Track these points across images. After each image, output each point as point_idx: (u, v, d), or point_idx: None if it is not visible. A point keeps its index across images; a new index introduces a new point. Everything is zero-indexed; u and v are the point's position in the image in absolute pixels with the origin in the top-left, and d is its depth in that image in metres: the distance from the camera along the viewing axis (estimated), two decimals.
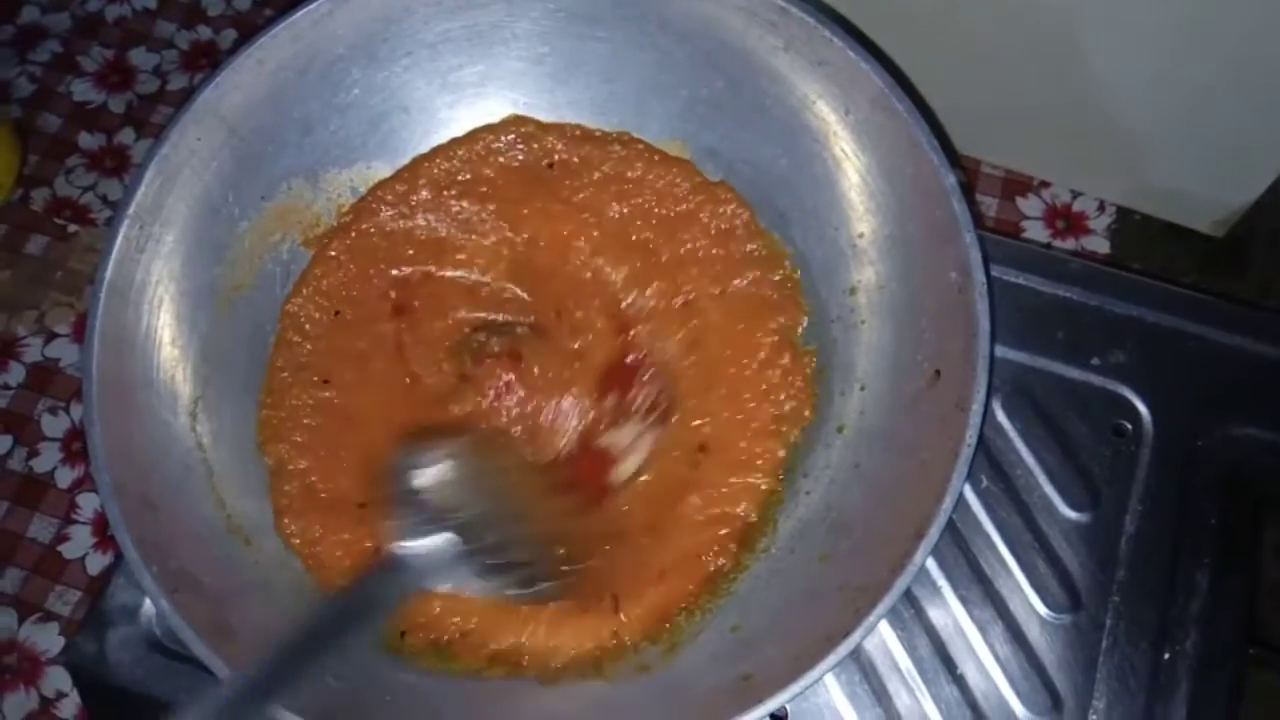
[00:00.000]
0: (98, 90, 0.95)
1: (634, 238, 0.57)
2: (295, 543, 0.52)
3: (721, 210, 0.57)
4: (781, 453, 0.53)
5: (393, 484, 0.47)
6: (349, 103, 0.56)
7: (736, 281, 0.56)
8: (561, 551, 0.50)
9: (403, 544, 0.44)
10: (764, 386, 0.54)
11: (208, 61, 0.96)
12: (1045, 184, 0.82)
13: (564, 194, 0.58)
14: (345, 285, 0.57)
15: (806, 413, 0.54)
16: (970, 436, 0.45)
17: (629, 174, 0.58)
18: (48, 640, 0.77)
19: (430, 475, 0.47)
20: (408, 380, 0.56)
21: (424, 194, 0.58)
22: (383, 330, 0.56)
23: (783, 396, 0.54)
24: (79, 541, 0.80)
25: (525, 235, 0.58)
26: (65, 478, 0.82)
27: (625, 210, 0.58)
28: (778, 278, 0.56)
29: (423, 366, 0.56)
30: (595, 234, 0.57)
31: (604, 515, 0.53)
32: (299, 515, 0.52)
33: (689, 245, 0.57)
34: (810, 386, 0.54)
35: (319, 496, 0.53)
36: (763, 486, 0.53)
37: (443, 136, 0.59)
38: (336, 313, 0.56)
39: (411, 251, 0.58)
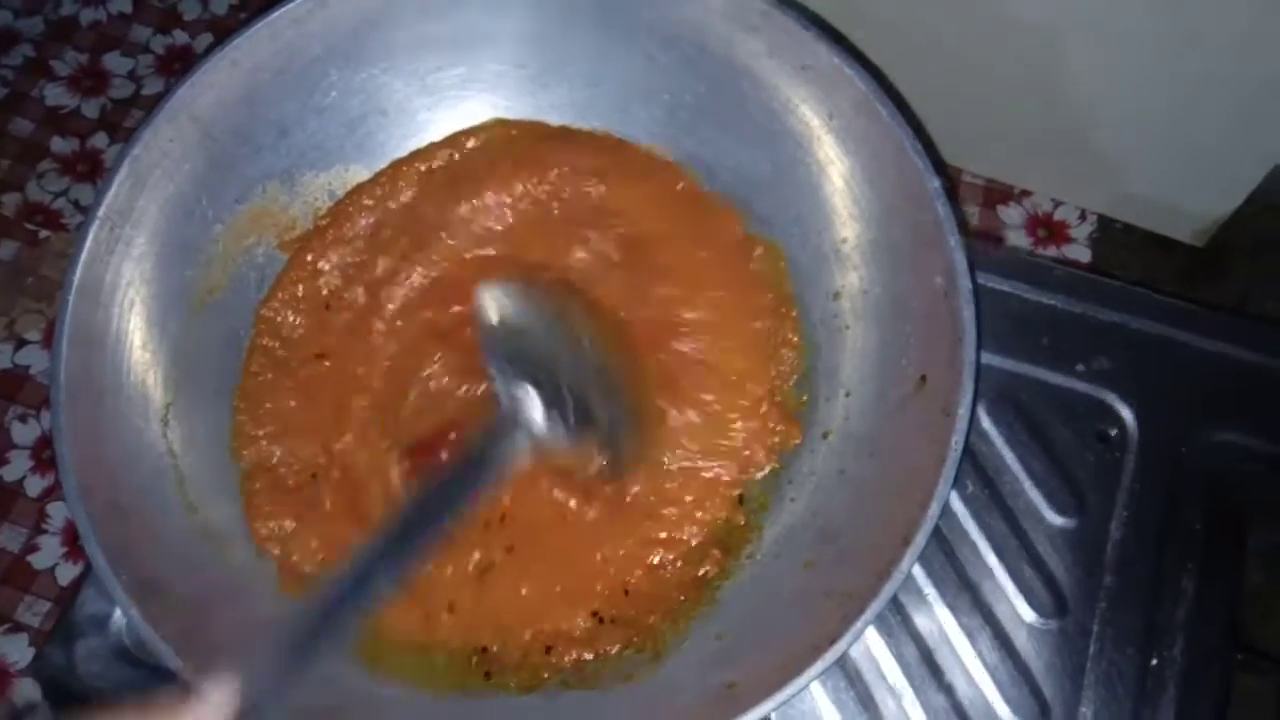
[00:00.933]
0: (71, 95, 0.94)
1: (618, 240, 0.57)
2: (269, 546, 0.51)
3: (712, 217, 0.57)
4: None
5: (479, 332, 0.48)
6: (326, 105, 0.56)
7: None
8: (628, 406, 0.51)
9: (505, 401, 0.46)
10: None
11: (183, 66, 0.95)
12: (1027, 193, 0.82)
13: (546, 196, 0.57)
14: (320, 288, 0.56)
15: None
16: (957, 442, 0.44)
17: (613, 173, 0.57)
18: (18, 651, 0.76)
19: (509, 315, 0.48)
20: (382, 375, 0.55)
21: (402, 197, 0.58)
22: (357, 332, 0.55)
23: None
24: (49, 551, 0.78)
25: (507, 238, 0.57)
26: (35, 487, 0.80)
27: (608, 212, 0.57)
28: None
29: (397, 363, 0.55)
30: (579, 237, 0.57)
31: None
32: (270, 514, 0.51)
33: (676, 250, 0.56)
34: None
35: (287, 486, 0.52)
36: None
37: (422, 140, 0.58)
38: (327, 306, 0.56)
39: (388, 254, 0.57)
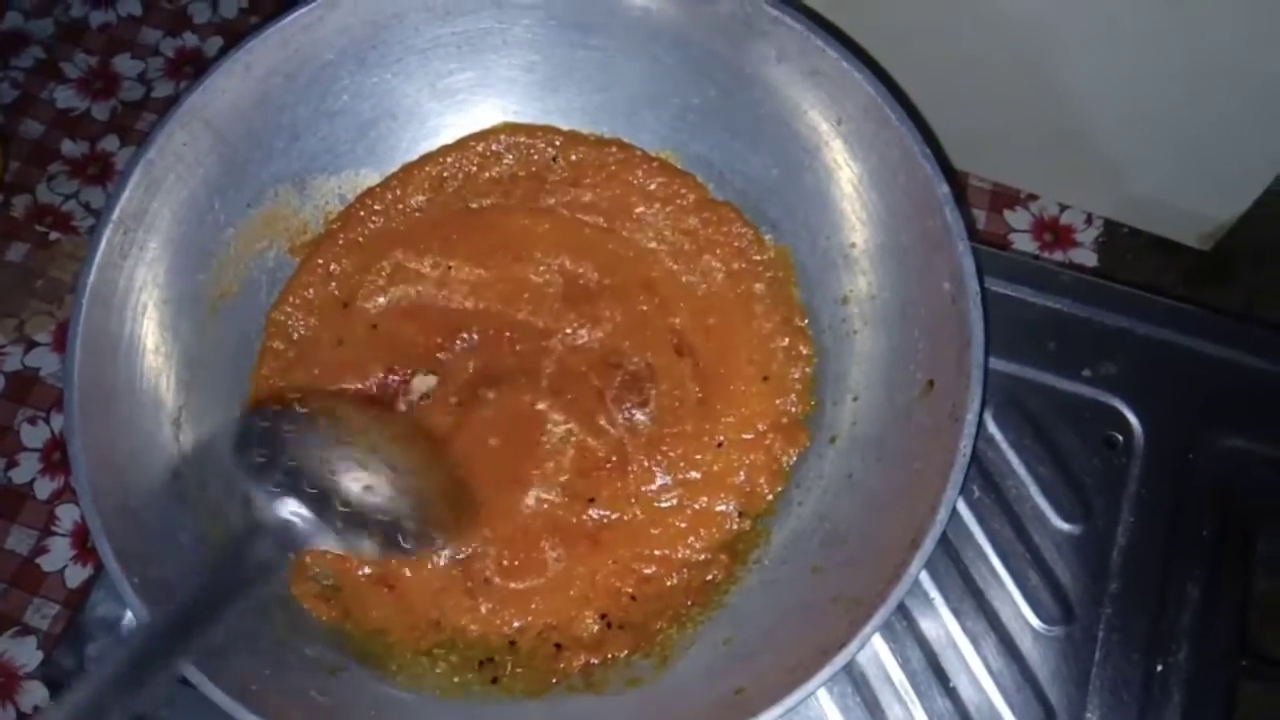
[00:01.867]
0: (81, 97, 0.94)
1: (627, 248, 0.57)
2: None
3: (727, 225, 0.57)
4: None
5: (247, 450, 0.47)
6: (338, 109, 0.56)
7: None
8: (416, 502, 0.50)
9: (260, 510, 0.45)
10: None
11: (193, 69, 0.95)
12: (1033, 197, 0.82)
13: (556, 201, 0.58)
14: (331, 292, 0.56)
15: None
16: (965, 446, 0.45)
17: (624, 181, 0.57)
18: (26, 655, 0.76)
19: (281, 435, 0.48)
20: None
21: (413, 201, 0.58)
22: (367, 335, 0.56)
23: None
24: (58, 554, 0.79)
25: (515, 243, 0.57)
26: (45, 489, 0.81)
27: (619, 218, 0.57)
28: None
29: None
30: (586, 241, 0.57)
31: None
32: None
33: (686, 256, 0.57)
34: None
35: None
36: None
37: (432, 144, 0.58)
38: (345, 304, 0.56)
39: (399, 259, 0.57)
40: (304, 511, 0.45)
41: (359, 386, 0.55)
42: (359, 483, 0.47)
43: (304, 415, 0.50)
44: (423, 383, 0.55)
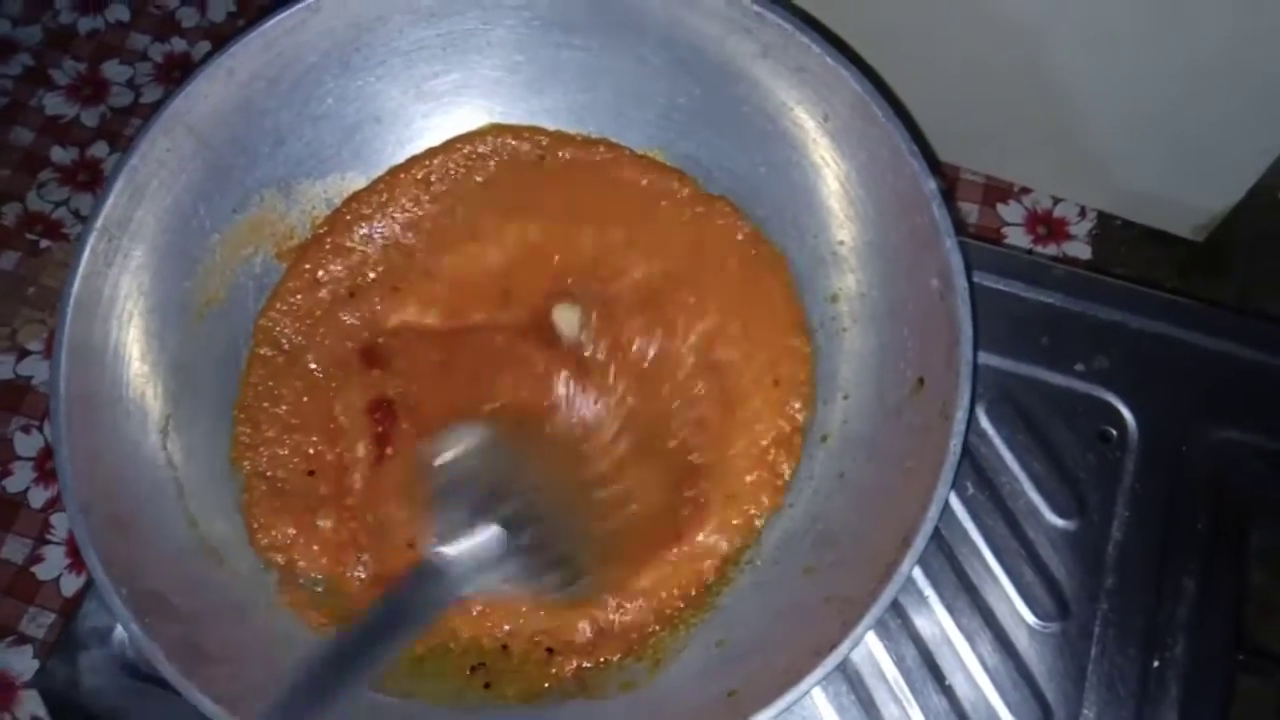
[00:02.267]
0: (70, 104, 0.94)
1: (618, 244, 0.57)
2: (271, 555, 0.51)
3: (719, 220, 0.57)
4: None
5: (425, 479, 0.46)
6: (322, 112, 0.55)
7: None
8: (596, 546, 0.48)
9: (442, 548, 0.43)
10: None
11: (181, 74, 0.95)
12: (1026, 190, 0.82)
13: (544, 200, 0.57)
14: (318, 297, 0.56)
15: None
16: (955, 444, 0.44)
17: (611, 179, 0.57)
18: (22, 663, 0.76)
19: (462, 462, 0.46)
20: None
21: (400, 204, 0.58)
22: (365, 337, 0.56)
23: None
24: (53, 562, 0.79)
25: (505, 244, 0.57)
26: (39, 498, 0.81)
27: (607, 215, 0.57)
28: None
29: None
30: (577, 240, 0.57)
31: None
32: (270, 524, 0.51)
33: (676, 251, 0.56)
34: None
35: (286, 495, 0.52)
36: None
37: (418, 146, 0.58)
38: (324, 315, 0.56)
39: (387, 263, 0.57)
40: (498, 546, 0.43)
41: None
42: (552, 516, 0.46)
43: (499, 437, 0.48)
44: None
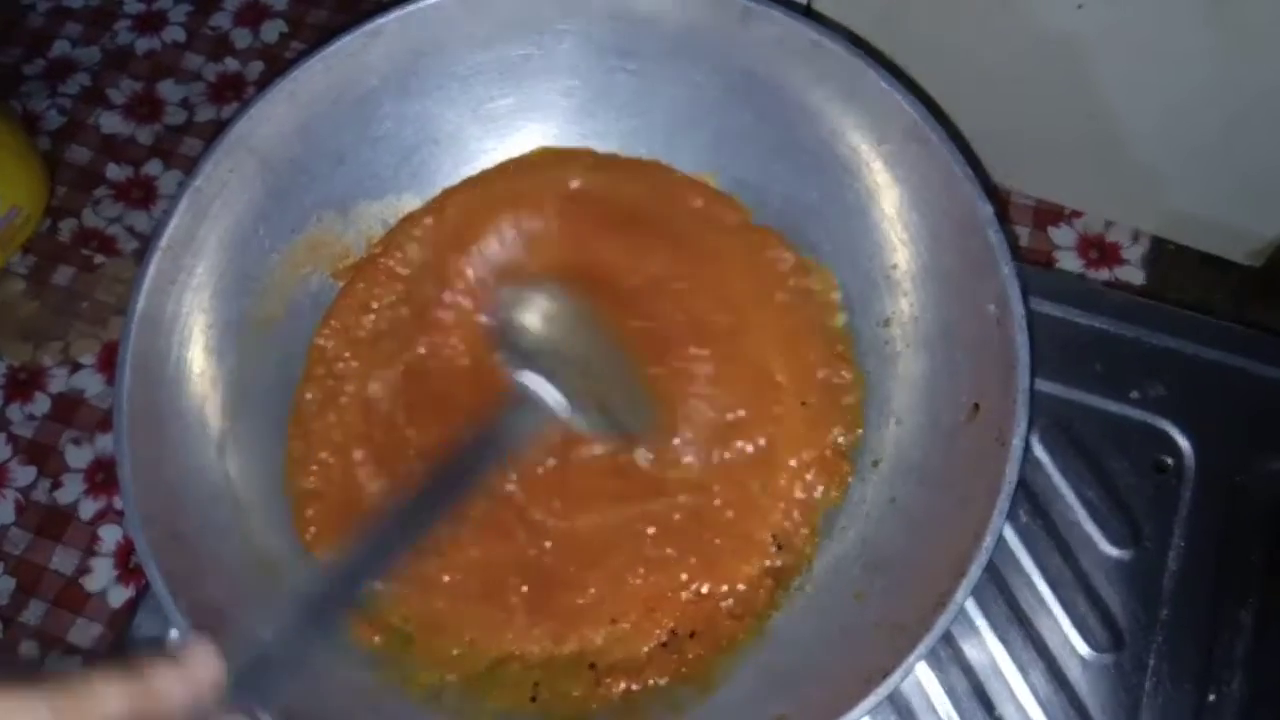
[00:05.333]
0: (126, 122, 0.96)
1: (670, 272, 0.57)
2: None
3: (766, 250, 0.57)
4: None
5: (500, 327, 0.50)
6: (380, 135, 0.56)
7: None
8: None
9: (525, 379, 0.47)
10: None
11: (234, 94, 0.97)
12: (1077, 214, 0.81)
13: (596, 225, 0.58)
14: (373, 316, 0.57)
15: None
16: (1011, 472, 0.44)
17: (665, 203, 0.58)
18: None
19: (532, 313, 0.50)
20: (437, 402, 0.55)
21: (453, 226, 0.58)
22: (413, 357, 0.56)
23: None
24: (101, 574, 0.80)
25: (557, 268, 0.57)
26: (88, 509, 0.82)
27: (660, 242, 0.57)
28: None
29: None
30: (632, 265, 0.57)
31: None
32: (326, 538, 0.52)
33: (734, 278, 0.57)
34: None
35: (342, 510, 0.53)
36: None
37: (473, 168, 0.59)
38: (380, 333, 0.57)
39: (439, 283, 0.57)
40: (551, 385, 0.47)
41: None
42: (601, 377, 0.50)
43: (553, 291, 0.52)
44: None
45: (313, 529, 0.52)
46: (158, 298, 0.50)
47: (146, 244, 0.50)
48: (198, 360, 0.51)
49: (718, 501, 0.53)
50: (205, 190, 0.51)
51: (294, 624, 0.38)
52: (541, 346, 0.50)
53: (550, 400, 0.47)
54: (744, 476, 0.53)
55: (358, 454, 0.54)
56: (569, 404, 0.47)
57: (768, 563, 0.52)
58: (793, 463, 0.53)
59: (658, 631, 0.51)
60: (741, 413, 0.54)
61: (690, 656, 0.50)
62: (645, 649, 0.50)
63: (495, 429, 0.47)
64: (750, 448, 0.53)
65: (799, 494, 0.53)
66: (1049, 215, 0.82)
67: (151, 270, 0.49)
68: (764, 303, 0.56)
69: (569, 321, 0.51)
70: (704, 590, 0.51)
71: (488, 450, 0.46)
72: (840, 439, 0.53)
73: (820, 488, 0.53)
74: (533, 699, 0.50)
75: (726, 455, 0.54)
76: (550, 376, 0.47)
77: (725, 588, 0.51)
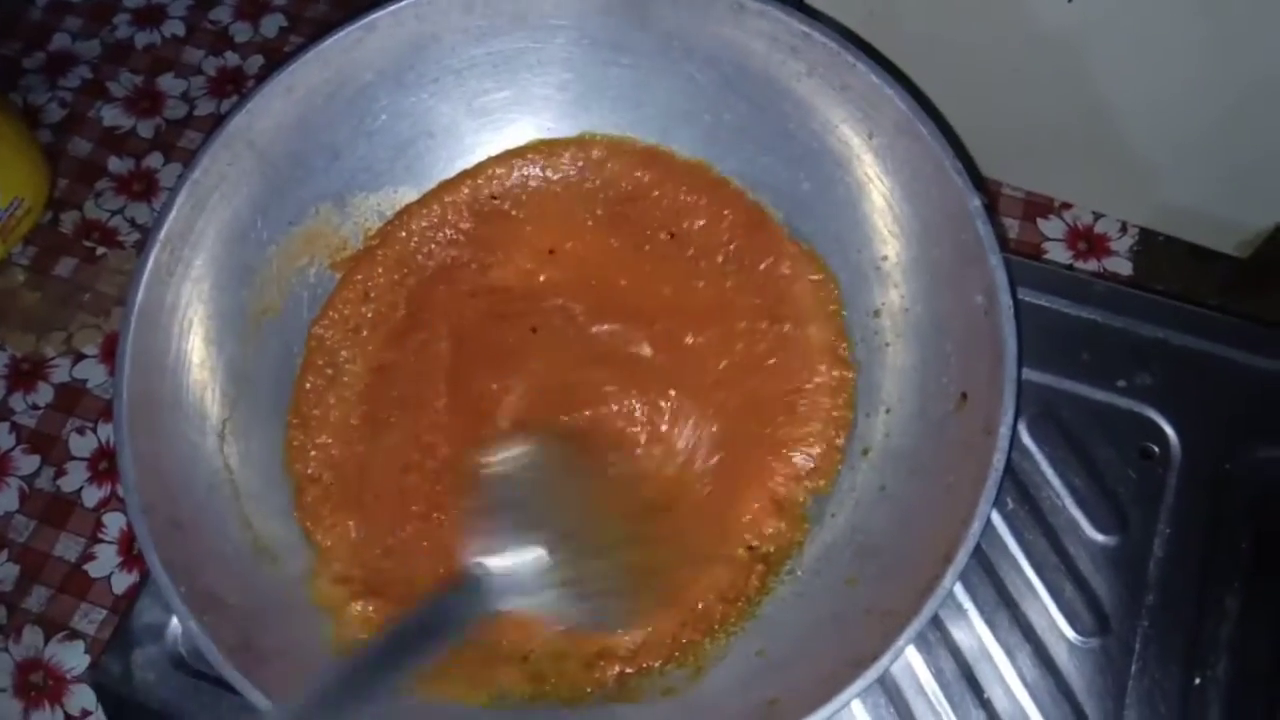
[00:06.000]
0: (127, 115, 0.96)
1: (670, 259, 0.57)
2: (331, 555, 0.52)
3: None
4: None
5: (475, 492, 0.46)
6: (376, 128, 0.57)
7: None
8: (638, 577, 0.49)
9: (482, 559, 0.43)
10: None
11: (234, 87, 0.97)
12: (1067, 205, 0.81)
13: (592, 213, 0.58)
14: (370, 306, 0.57)
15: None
16: (998, 460, 0.45)
17: (657, 190, 0.58)
18: (74, 659, 0.77)
19: (514, 477, 0.46)
20: (440, 395, 0.56)
21: (449, 217, 0.59)
22: (411, 345, 0.57)
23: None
24: (105, 560, 0.80)
25: (551, 257, 0.58)
26: (92, 497, 0.82)
27: (658, 229, 0.58)
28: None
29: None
30: (625, 254, 0.58)
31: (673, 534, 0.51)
32: (329, 524, 0.53)
33: (731, 270, 0.57)
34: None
35: (340, 498, 0.54)
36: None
37: (468, 161, 0.59)
38: (376, 323, 0.57)
39: (437, 274, 0.58)
40: (539, 565, 0.43)
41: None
42: (597, 543, 0.46)
43: (546, 445, 0.47)
44: None
45: (312, 515, 0.53)
46: (157, 289, 0.50)
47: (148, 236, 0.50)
48: (197, 351, 0.52)
49: (708, 489, 0.53)
50: (203, 183, 0.52)
51: None
52: (519, 501, 0.46)
53: (504, 587, 0.43)
54: (732, 467, 0.54)
55: (357, 441, 0.55)
56: (532, 586, 0.43)
57: (757, 549, 0.52)
58: (782, 452, 0.54)
59: None
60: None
61: (683, 641, 0.51)
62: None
63: (437, 611, 0.42)
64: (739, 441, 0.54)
65: (788, 483, 0.54)
66: (1038, 207, 0.82)
67: (150, 262, 0.50)
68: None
69: (553, 477, 0.47)
70: (693, 577, 0.52)
71: (430, 635, 0.42)
72: (830, 429, 0.54)
73: (809, 477, 0.53)
74: (528, 682, 0.50)
75: (715, 460, 0.54)
76: (517, 546, 0.43)
77: (715, 574, 0.52)
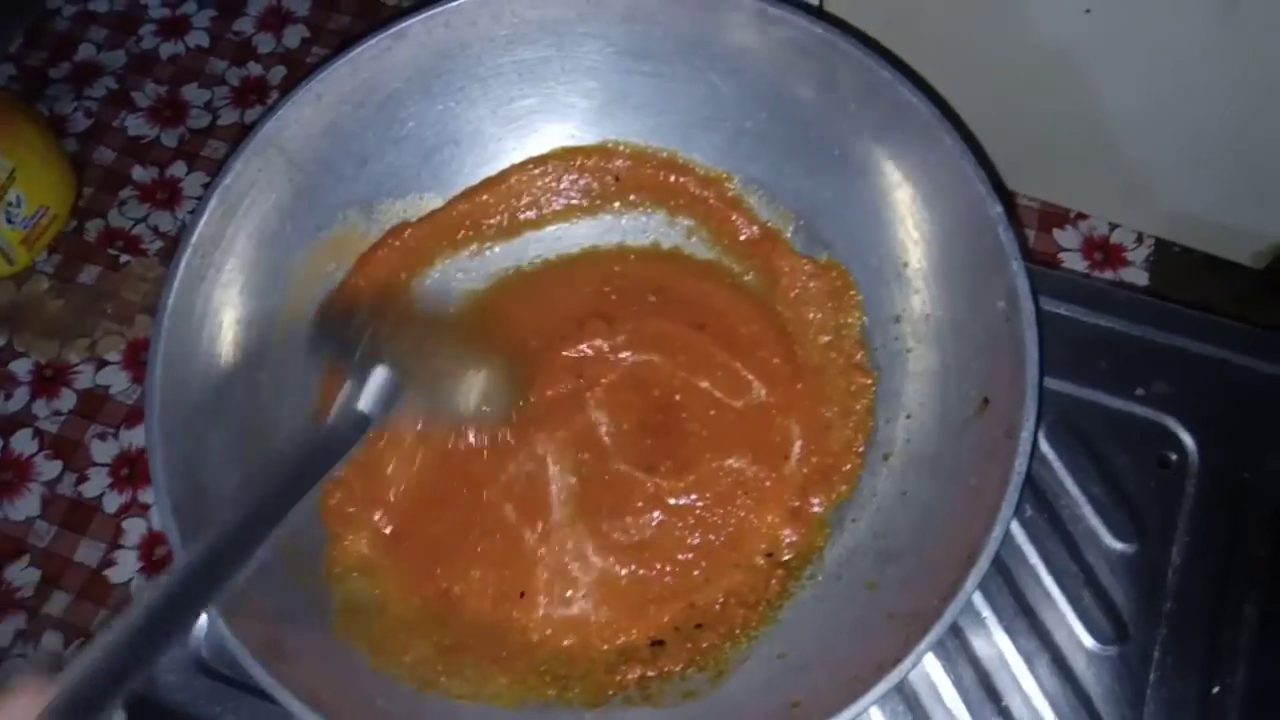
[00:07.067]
0: (151, 125, 0.98)
1: (688, 264, 0.58)
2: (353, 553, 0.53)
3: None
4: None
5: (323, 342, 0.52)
6: (403, 135, 0.58)
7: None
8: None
9: (347, 396, 0.48)
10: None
11: (257, 97, 0.98)
12: (1083, 216, 0.82)
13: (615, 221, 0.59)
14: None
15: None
16: (1020, 464, 0.45)
17: (680, 196, 0.59)
18: None
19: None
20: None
21: (473, 223, 0.60)
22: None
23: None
24: (125, 566, 0.81)
25: (574, 262, 0.59)
26: (113, 503, 0.83)
27: (677, 234, 0.59)
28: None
29: None
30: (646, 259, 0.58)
31: None
32: (353, 521, 0.54)
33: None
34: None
35: (366, 498, 0.54)
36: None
37: (494, 168, 0.60)
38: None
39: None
40: (391, 374, 0.48)
41: None
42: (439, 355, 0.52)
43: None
44: None
45: (336, 513, 0.54)
46: (188, 293, 0.51)
47: (171, 244, 0.51)
48: (226, 354, 0.52)
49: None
50: (234, 189, 0.52)
51: (129, 641, 0.34)
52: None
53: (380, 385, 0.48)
54: (753, 473, 0.55)
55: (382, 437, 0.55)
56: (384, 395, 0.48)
57: (777, 555, 0.53)
58: (807, 457, 0.54)
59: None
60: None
61: (704, 645, 0.51)
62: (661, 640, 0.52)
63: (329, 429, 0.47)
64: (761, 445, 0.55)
65: (809, 490, 0.54)
66: (1054, 218, 0.83)
67: (183, 267, 0.50)
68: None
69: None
70: (714, 582, 0.52)
71: (325, 451, 0.46)
72: (851, 434, 0.55)
73: (830, 483, 0.54)
74: (551, 684, 0.51)
75: (733, 462, 0.55)
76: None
77: (735, 579, 0.52)
